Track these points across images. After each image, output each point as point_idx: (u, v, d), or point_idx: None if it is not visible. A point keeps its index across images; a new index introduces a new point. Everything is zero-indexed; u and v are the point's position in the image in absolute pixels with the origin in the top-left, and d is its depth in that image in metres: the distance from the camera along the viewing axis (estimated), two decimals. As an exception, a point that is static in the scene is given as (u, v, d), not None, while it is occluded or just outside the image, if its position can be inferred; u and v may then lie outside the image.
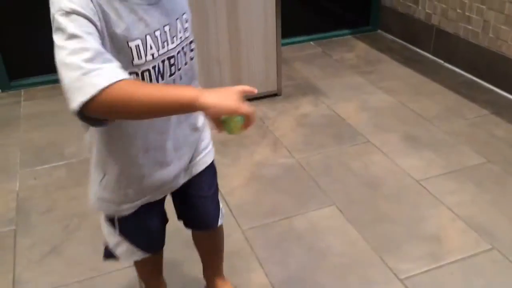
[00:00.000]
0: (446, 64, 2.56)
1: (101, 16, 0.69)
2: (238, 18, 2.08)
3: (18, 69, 2.47)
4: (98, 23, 0.68)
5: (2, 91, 2.46)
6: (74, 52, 0.64)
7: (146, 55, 0.75)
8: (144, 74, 0.76)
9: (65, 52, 0.64)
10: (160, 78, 0.78)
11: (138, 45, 0.73)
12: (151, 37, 0.75)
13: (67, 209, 1.60)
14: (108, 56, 0.67)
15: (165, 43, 0.78)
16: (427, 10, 2.62)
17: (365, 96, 2.29)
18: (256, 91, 0.78)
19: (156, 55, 0.76)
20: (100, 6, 0.68)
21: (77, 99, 0.63)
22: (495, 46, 2.24)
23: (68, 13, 0.65)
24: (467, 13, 2.36)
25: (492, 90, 2.28)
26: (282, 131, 2.02)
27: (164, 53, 0.78)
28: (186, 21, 0.83)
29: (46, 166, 1.84)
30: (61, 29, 0.65)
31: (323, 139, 1.95)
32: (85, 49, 0.64)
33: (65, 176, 1.79)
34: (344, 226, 1.49)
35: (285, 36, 2.71)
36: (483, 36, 2.29)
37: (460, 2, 2.38)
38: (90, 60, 0.64)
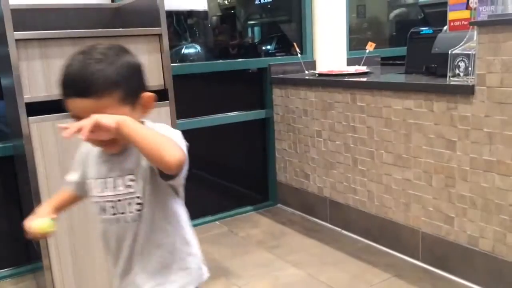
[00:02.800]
0: (344, 232, 2.75)
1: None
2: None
3: None
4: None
5: None
6: None
7: (92, 192, 1.12)
8: (95, 204, 1.12)
9: None
10: (102, 212, 1.11)
11: (90, 183, 1.12)
12: (96, 182, 1.10)
13: None
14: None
15: (105, 190, 1.08)
16: (318, 184, 2.89)
17: (275, 272, 2.32)
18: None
19: (98, 195, 1.10)
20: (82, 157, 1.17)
21: None
22: (382, 213, 2.48)
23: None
24: (352, 185, 2.64)
25: (388, 253, 2.45)
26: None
27: (104, 196, 1.09)
28: (131, 181, 1.06)
29: None
30: None
31: (240, 326, 1.88)
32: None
33: None
34: None
35: (190, 218, 2.75)
36: (370, 204, 2.55)
37: (345, 176, 2.68)
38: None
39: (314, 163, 2.89)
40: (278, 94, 3.10)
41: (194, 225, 3.02)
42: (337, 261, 2.41)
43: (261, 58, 3.36)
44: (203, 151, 3.09)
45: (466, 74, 2.02)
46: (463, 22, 2.21)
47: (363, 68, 2.85)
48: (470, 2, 2.12)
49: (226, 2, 4.56)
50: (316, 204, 2.93)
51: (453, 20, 2.27)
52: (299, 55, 3.06)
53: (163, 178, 1.02)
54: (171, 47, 3.45)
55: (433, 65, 2.29)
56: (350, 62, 3.18)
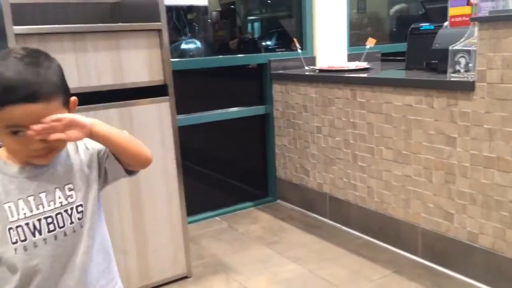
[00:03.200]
0: (344, 228, 2.75)
1: None
2: (141, 205, 2.10)
3: None
4: None
5: None
6: None
7: (18, 214, 0.98)
8: (18, 229, 0.98)
9: None
10: (36, 233, 0.99)
11: (11, 207, 0.97)
12: (23, 201, 0.98)
13: None
14: None
15: (40, 206, 0.99)
16: (318, 180, 2.89)
17: (275, 268, 2.32)
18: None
19: (28, 214, 0.98)
20: None
21: None
22: (382, 209, 2.48)
23: None
24: (352, 182, 2.64)
25: (388, 249, 2.45)
26: (196, 318, 1.92)
27: (39, 213, 0.99)
28: (70, 190, 1.03)
29: None
30: None
31: (240, 322, 1.88)
32: None
33: None
34: None
35: (190, 214, 2.76)
36: (370, 201, 2.55)
37: (345, 172, 2.67)
38: None
39: (314, 159, 2.89)
40: (278, 90, 3.09)
41: (194, 221, 3.04)
42: (336, 257, 2.41)
43: (261, 54, 3.35)
44: (202, 147, 3.09)
45: (467, 70, 2.01)
46: (464, 18, 2.20)
47: (364, 64, 2.84)
48: (471, -2, 2.11)
49: (226, -3, 4.54)
50: (316, 200, 2.93)
51: (454, 16, 2.26)
52: (299, 50, 3.05)
53: (127, 173, 1.09)
54: (170, 42, 3.43)
55: (433, 61, 2.29)
56: (351, 58, 3.18)
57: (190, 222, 2.79)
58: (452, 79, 2.06)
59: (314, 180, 2.92)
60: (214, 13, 3.95)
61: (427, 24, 2.47)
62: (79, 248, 1.04)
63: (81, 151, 1.07)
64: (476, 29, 1.95)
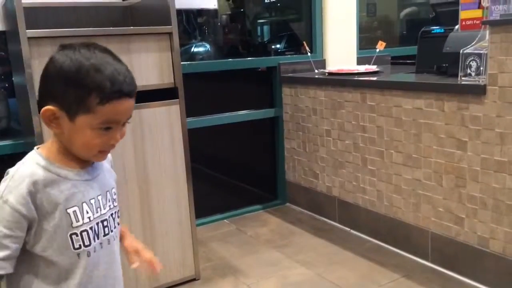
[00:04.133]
0: (353, 231, 2.74)
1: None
2: (151, 207, 2.11)
3: None
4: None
5: None
6: None
7: (83, 218, 0.95)
8: (83, 234, 0.95)
9: None
10: (96, 237, 0.97)
11: (75, 211, 0.93)
12: (87, 204, 0.96)
13: None
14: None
15: (98, 209, 0.98)
16: (327, 184, 2.88)
17: (284, 271, 2.32)
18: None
19: (92, 218, 0.96)
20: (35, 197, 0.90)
21: None
22: (391, 213, 2.47)
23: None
24: (361, 185, 2.63)
25: (398, 253, 2.44)
26: (205, 320, 1.92)
27: (98, 216, 0.98)
28: (115, 194, 1.05)
29: None
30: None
31: (248, 324, 1.88)
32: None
33: None
34: None
35: (199, 216, 2.77)
36: (379, 204, 2.54)
37: (355, 176, 2.67)
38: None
39: (323, 162, 2.88)
40: (287, 93, 3.09)
41: (203, 223, 3.05)
42: (345, 261, 2.40)
43: (270, 57, 3.36)
44: (212, 150, 3.10)
45: (478, 73, 2.00)
46: (475, 22, 2.19)
47: (373, 67, 2.83)
48: (482, 1, 2.10)
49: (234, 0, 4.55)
50: (325, 204, 2.92)
51: (465, 19, 2.25)
52: (308, 54, 3.06)
53: None
54: (180, 45, 3.46)
55: (444, 65, 2.28)
56: (360, 61, 3.17)
57: (198, 225, 2.80)
58: (463, 82, 2.05)
59: (323, 184, 2.92)
60: (224, 16, 3.97)
61: (438, 27, 2.46)
62: (117, 254, 1.05)
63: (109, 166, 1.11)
64: (487, 32, 1.93)
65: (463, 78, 2.06)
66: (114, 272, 1.04)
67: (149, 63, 2.05)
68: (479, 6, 2.14)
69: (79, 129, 0.90)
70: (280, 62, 3.10)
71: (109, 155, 1.07)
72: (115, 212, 1.04)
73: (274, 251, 2.55)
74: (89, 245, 0.96)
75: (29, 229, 0.90)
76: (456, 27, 2.31)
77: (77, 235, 0.94)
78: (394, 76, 2.75)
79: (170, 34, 2.08)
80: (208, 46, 3.74)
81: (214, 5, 2.86)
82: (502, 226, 1.96)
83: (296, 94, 3.01)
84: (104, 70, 0.89)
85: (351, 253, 2.47)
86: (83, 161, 0.98)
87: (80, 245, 0.94)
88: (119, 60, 0.94)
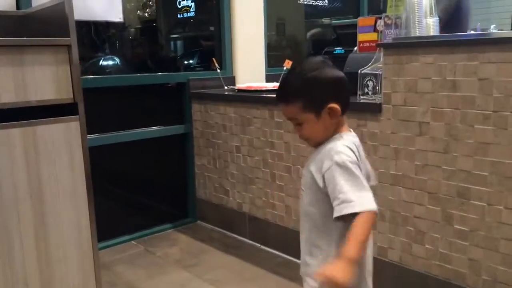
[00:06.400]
0: (263, 247, 2.75)
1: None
2: (46, 232, 1.95)
3: None
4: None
5: None
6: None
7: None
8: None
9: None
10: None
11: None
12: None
13: None
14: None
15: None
16: (237, 200, 2.88)
17: (192, 292, 2.26)
18: None
19: None
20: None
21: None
22: (299, 227, 2.52)
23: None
24: (271, 200, 2.66)
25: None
26: None
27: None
28: (303, 175, 1.33)
29: None
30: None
31: None
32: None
33: None
34: None
35: (104, 239, 2.62)
36: (288, 219, 2.58)
37: (264, 191, 2.69)
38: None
39: (234, 179, 2.88)
40: (197, 109, 3.07)
41: (108, 246, 2.89)
42: (256, 277, 2.40)
43: (180, 73, 3.32)
44: (120, 168, 2.97)
45: (374, 92, 2.13)
46: (371, 44, 2.33)
47: (281, 85, 2.90)
48: (377, 25, 2.24)
49: (146, 14, 4.47)
50: (236, 220, 2.92)
51: (362, 42, 2.39)
52: (218, 70, 3.06)
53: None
54: (88, 58, 3.31)
55: (345, 84, 2.39)
56: (269, 78, 3.24)
57: (103, 248, 2.65)
58: (361, 101, 2.16)
59: (233, 200, 2.91)
60: (132, 30, 3.86)
61: (339, 48, 2.59)
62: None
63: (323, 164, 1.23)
64: (381, 54, 2.07)
65: (361, 97, 2.18)
66: None
67: (45, 76, 1.92)
68: (375, 29, 2.29)
69: None
70: (190, 78, 3.07)
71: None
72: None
73: (183, 271, 2.49)
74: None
75: None
76: (355, 48, 2.45)
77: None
78: (300, 93, 2.83)
79: (68, 46, 1.96)
80: (117, 59, 3.62)
81: (120, 18, 2.77)
82: (398, 236, 2.08)
83: (206, 110, 3.00)
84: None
85: (261, 269, 2.48)
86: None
87: None
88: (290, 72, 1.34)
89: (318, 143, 1.29)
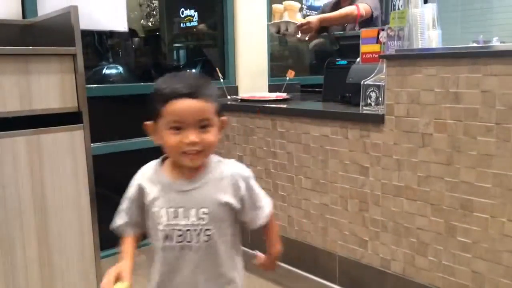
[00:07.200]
0: (265, 257, 2.74)
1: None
2: (49, 241, 1.96)
3: None
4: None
5: None
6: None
7: (160, 220, 1.22)
8: (159, 232, 1.23)
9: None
10: (169, 239, 1.23)
11: (158, 212, 1.23)
12: (165, 211, 1.22)
13: None
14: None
15: (175, 218, 1.21)
16: (240, 209, 2.88)
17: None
18: None
19: (165, 223, 1.22)
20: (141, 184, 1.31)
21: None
22: (301, 237, 2.52)
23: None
24: (273, 211, 2.65)
25: (307, 278, 2.48)
26: None
27: (173, 224, 1.21)
28: (204, 214, 1.21)
29: None
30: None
31: None
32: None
33: None
34: None
35: (106, 248, 2.61)
36: (290, 230, 2.58)
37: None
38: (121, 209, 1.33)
39: (236, 188, 2.88)
40: (200, 119, 3.08)
41: (110, 255, 2.87)
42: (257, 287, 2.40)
43: (184, 82, 3.34)
44: (124, 176, 2.97)
45: (377, 103, 2.14)
46: (374, 55, 2.35)
47: (284, 95, 2.92)
48: (380, 37, 2.26)
49: (150, 24, 4.51)
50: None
51: (365, 53, 2.41)
52: (221, 80, 3.08)
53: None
54: (91, 67, 3.33)
55: (347, 94, 2.40)
56: (272, 88, 3.26)
57: (105, 256, 2.64)
58: (364, 112, 2.17)
59: (236, 209, 2.90)
60: (136, 39, 3.89)
61: (342, 59, 2.61)
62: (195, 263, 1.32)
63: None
64: (384, 65, 2.08)
65: (364, 108, 2.19)
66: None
67: (49, 85, 1.93)
68: (377, 41, 2.30)
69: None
70: (193, 87, 3.08)
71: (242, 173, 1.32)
72: (201, 230, 1.22)
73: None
74: (161, 241, 1.24)
75: None
76: (358, 59, 2.47)
77: (161, 231, 1.24)
78: (302, 104, 2.85)
79: (74, 55, 1.98)
80: (120, 68, 3.63)
81: (124, 28, 2.80)
82: (401, 248, 2.08)
83: (209, 119, 3.00)
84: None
85: (263, 280, 2.47)
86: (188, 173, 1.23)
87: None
88: (194, 77, 1.31)
89: (202, 160, 1.24)
